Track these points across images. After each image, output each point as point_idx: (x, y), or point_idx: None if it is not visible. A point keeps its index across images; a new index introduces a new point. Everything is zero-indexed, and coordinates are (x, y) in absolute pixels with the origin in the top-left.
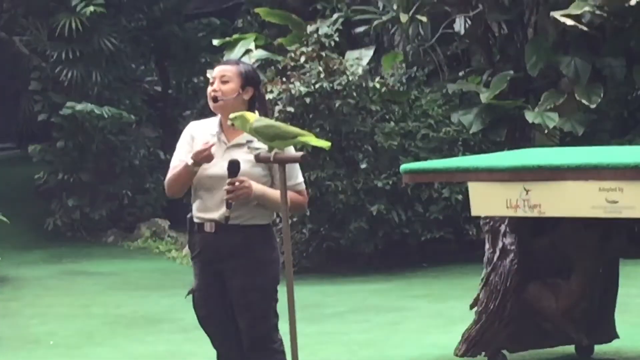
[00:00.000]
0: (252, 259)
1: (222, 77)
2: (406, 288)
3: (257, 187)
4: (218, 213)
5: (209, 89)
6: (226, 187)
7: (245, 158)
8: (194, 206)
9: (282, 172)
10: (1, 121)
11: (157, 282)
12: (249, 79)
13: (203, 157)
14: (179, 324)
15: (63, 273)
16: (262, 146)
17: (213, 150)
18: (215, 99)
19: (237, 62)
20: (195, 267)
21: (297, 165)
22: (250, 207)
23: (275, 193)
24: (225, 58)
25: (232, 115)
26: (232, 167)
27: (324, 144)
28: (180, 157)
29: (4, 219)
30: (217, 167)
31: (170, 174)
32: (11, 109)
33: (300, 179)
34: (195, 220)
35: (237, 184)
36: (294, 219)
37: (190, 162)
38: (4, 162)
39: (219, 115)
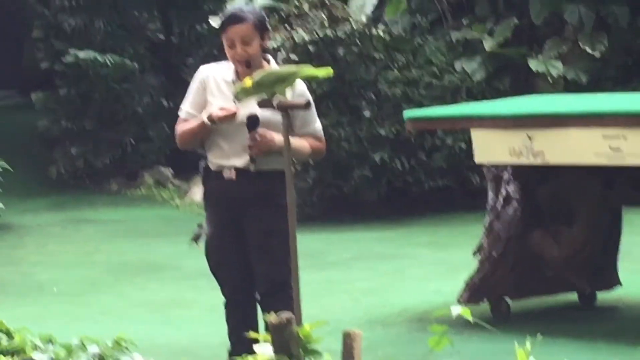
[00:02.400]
0: (273, 204)
1: (243, 39)
2: (409, 236)
3: (279, 138)
4: (238, 160)
5: (231, 50)
6: (248, 142)
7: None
8: (210, 154)
9: (285, 118)
10: (4, 69)
11: (160, 230)
12: (263, 28)
13: (224, 120)
14: (183, 271)
15: (66, 221)
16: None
17: (223, 101)
18: (248, 64)
19: (246, 15)
20: (212, 213)
21: (313, 111)
22: (273, 154)
23: (300, 142)
24: (229, 6)
25: (234, 92)
26: (252, 122)
27: (326, 72)
28: (191, 107)
29: (8, 167)
30: (241, 113)
31: (184, 127)
32: (14, 57)
33: (317, 124)
34: (213, 167)
35: (258, 138)
36: (297, 168)
37: (207, 121)
38: (7, 110)
39: (230, 62)
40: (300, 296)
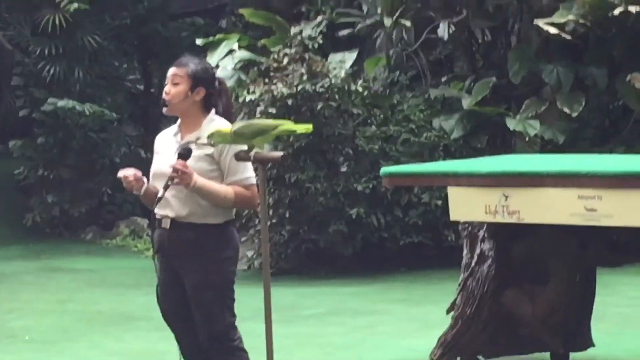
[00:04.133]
0: (205, 256)
1: (172, 79)
2: (384, 291)
3: (199, 179)
4: (172, 210)
5: (164, 90)
6: (171, 166)
7: (193, 154)
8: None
9: (262, 171)
10: None
11: (134, 280)
12: (198, 80)
13: (128, 188)
14: (155, 322)
15: (41, 269)
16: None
17: (164, 154)
18: (164, 103)
19: (188, 62)
20: (157, 262)
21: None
22: (203, 206)
23: (220, 188)
24: (208, 58)
25: (207, 135)
26: (184, 152)
27: (306, 127)
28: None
29: None
30: (167, 165)
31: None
32: None
33: (246, 173)
34: (156, 216)
35: (181, 167)
36: (274, 221)
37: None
38: None
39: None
40: (272, 349)
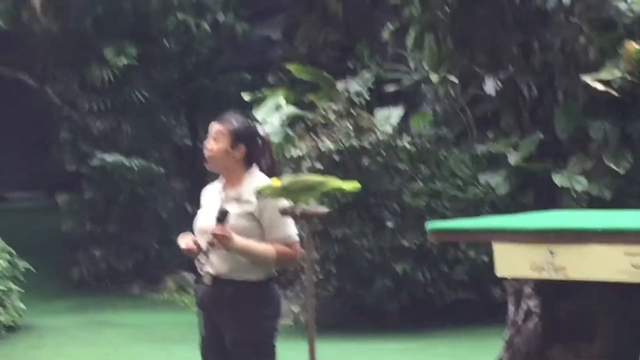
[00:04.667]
0: (244, 313)
1: (214, 135)
2: (429, 348)
3: (239, 241)
4: (215, 266)
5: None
6: (210, 233)
7: (234, 211)
8: (197, 259)
9: (308, 226)
10: (30, 170)
11: (181, 335)
12: (239, 137)
13: (186, 252)
14: None
15: (87, 323)
16: (249, 198)
17: (208, 210)
18: (206, 159)
19: (230, 119)
20: (199, 317)
21: (285, 218)
22: (244, 263)
23: (261, 247)
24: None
25: (258, 188)
26: (221, 215)
27: (353, 186)
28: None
29: (31, 267)
30: (209, 220)
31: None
32: (40, 159)
33: (288, 231)
34: (199, 272)
35: (220, 232)
36: (320, 276)
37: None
38: (33, 211)
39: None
40: None
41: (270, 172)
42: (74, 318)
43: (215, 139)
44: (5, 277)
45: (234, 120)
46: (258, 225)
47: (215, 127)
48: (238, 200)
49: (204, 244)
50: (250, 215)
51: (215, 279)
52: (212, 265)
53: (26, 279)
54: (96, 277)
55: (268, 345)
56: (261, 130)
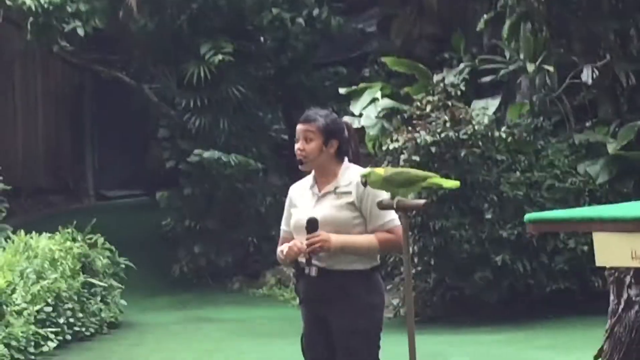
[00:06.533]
0: (354, 303)
1: (305, 136)
2: (530, 339)
3: (337, 238)
4: (321, 258)
5: (296, 146)
6: (305, 243)
7: (332, 204)
8: None
9: (405, 218)
10: (130, 167)
11: (280, 330)
12: (330, 133)
13: (290, 258)
14: None
15: (188, 319)
16: (347, 190)
17: (302, 207)
18: (301, 161)
19: (316, 117)
20: (302, 311)
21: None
22: (347, 254)
23: (361, 239)
24: (351, 106)
25: (362, 173)
26: (310, 225)
27: (454, 184)
28: (284, 224)
29: (131, 264)
30: (307, 217)
31: (278, 249)
32: (140, 156)
33: (388, 217)
34: (301, 265)
35: (314, 241)
36: (419, 268)
37: (280, 255)
38: (132, 208)
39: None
40: None
41: (356, 161)
42: (174, 314)
43: (306, 139)
44: (106, 274)
45: (320, 117)
46: (360, 214)
47: (302, 127)
48: (336, 193)
49: (300, 240)
50: (352, 206)
51: (322, 270)
52: (318, 258)
53: (127, 275)
54: (196, 273)
55: (376, 334)
56: (345, 120)
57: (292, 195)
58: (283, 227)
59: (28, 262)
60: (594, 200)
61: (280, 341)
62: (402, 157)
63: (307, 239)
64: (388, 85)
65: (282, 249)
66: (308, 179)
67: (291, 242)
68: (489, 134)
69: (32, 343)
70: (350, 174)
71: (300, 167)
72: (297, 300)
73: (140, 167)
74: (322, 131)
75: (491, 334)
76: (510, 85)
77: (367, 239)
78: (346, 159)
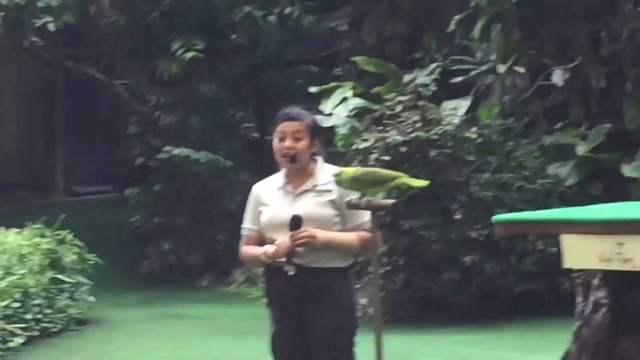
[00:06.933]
0: (335, 302)
1: (294, 134)
2: (498, 340)
3: (323, 234)
4: (300, 257)
5: (279, 144)
6: (289, 241)
7: (314, 201)
8: None
9: (374, 219)
10: (99, 164)
11: (250, 327)
12: (315, 132)
13: (278, 256)
14: None
15: (157, 316)
16: (327, 188)
17: (276, 205)
18: (293, 159)
19: (302, 115)
20: (275, 312)
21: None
22: (330, 251)
23: (345, 236)
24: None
25: (335, 172)
26: (295, 222)
27: (422, 183)
28: (250, 223)
29: (100, 261)
30: (288, 214)
31: (246, 251)
32: (109, 153)
33: (367, 216)
34: (274, 264)
35: (301, 236)
36: (387, 268)
37: (263, 257)
38: (102, 205)
39: (283, 170)
40: None
41: (328, 161)
42: (143, 311)
43: (296, 138)
44: (74, 271)
45: (306, 116)
46: (339, 213)
47: (290, 125)
48: (316, 191)
49: (275, 238)
50: (333, 203)
51: (301, 268)
52: (298, 255)
53: (95, 272)
54: (165, 270)
55: (355, 333)
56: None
57: (258, 194)
58: (249, 226)
59: None
60: (564, 202)
61: (249, 339)
62: (372, 156)
63: (291, 235)
64: (359, 84)
65: (265, 249)
66: (275, 178)
67: (277, 240)
68: (460, 134)
69: None
70: (327, 172)
71: (289, 165)
72: (267, 301)
73: (111, 164)
74: (309, 130)
75: (459, 334)
76: (481, 87)
77: (349, 237)
78: (321, 158)
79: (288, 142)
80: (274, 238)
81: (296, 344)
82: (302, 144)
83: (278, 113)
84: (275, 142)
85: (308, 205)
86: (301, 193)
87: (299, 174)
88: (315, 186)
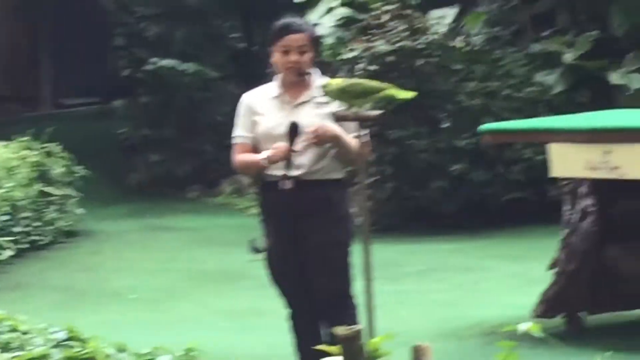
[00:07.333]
0: (332, 214)
1: (300, 48)
2: (485, 248)
3: (336, 128)
4: (301, 167)
5: (284, 57)
6: (306, 138)
7: (314, 113)
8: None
9: (363, 130)
10: (86, 76)
11: (238, 238)
12: (318, 43)
13: (278, 160)
14: (260, 280)
15: (145, 228)
16: (325, 100)
17: (272, 115)
18: (300, 73)
19: (304, 27)
20: (269, 226)
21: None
22: (328, 160)
23: (348, 137)
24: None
25: (323, 84)
26: (293, 130)
27: (409, 95)
28: (243, 131)
29: (88, 173)
30: (285, 126)
31: (242, 158)
32: (96, 65)
33: (356, 128)
34: (268, 179)
35: (320, 131)
36: (375, 178)
37: (263, 162)
38: (89, 117)
39: (276, 80)
40: (372, 307)
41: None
42: (131, 223)
43: (301, 51)
44: (62, 183)
45: (308, 27)
46: (338, 125)
47: (296, 38)
48: (315, 103)
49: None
50: (332, 116)
51: (298, 182)
52: (298, 166)
53: (84, 184)
54: (153, 182)
55: (352, 243)
56: None
57: (250, 103)
58: (242, 134)
59: None
60: (551, 110)
61: (237, 249)
62: (359, 66)
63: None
64: None
65: (265, 154)
66: (267, 88)
67: (275, 144)
68: (446, 43)
69: None
70: (321, 82)
71: (296, 78)
72: (259, 213)
73: (97, 76)
74: (313, 41)
75: (447, 243)
76: None
77: (351, 139)
78: (317, 69)
79: (294, 56)
80: (267, 148)
81: (291, 258)
82: (308, 56)
83: (275, 24)
84: (278, 56)
85: (310, 117)
86: (300, 104)
87: (297, 86)
88: (313, 98)
